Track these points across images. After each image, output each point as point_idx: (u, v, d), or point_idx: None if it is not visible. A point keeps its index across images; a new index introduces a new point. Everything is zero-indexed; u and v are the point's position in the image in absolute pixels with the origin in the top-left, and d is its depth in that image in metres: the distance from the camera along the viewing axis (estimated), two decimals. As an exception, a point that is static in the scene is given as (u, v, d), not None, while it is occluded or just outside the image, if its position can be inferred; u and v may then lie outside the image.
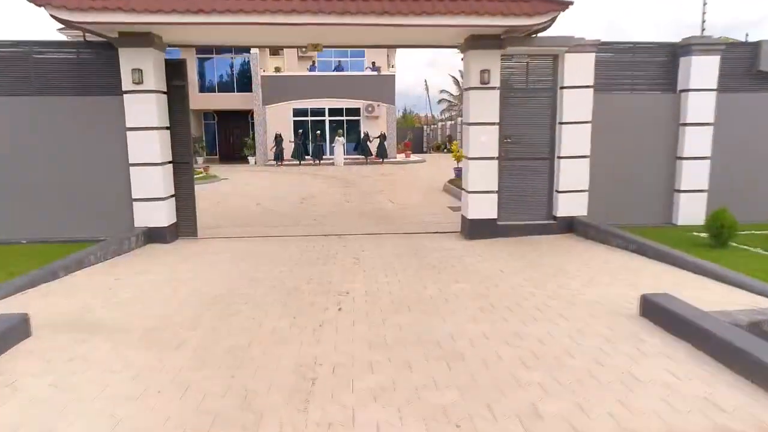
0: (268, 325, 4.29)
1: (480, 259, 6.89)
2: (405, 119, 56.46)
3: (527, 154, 8.78)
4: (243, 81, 28.31)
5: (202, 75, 28.33)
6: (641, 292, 4.47)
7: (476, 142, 8.52)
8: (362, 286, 5.47)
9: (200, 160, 27.32)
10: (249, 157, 25.59)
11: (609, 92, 8.70)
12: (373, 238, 8.57)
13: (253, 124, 26.84)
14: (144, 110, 8.06)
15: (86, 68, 8.14)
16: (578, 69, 8.47)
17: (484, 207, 8.64)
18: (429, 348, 3.72)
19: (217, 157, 30.20)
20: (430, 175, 19.91)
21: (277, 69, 25.73)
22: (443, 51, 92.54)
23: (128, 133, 8.11)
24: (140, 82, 7.94)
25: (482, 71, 8.27)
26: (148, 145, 8.15)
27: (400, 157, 27.16)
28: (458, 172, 15.59)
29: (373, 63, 27.20)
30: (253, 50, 24.46)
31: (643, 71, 8.81)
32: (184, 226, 8.85)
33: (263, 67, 26.27)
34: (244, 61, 27.16)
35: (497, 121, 8.46)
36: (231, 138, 30.28)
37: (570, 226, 8.72)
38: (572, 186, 8.70)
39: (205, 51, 27.54)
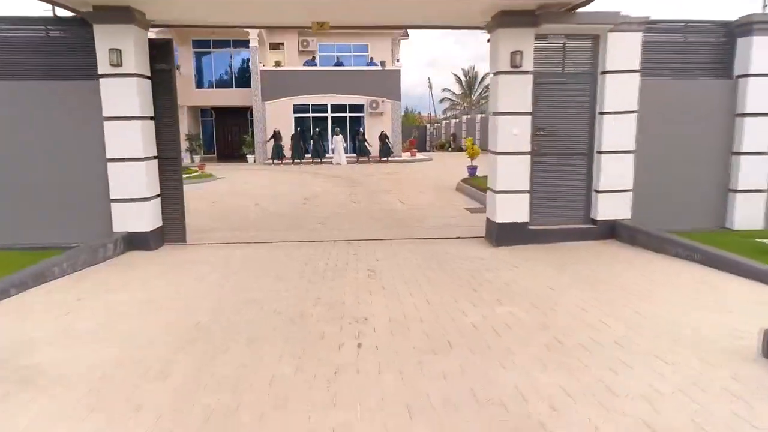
0: (264, 371, 3.20)
1: (518, 272, 5.79)
2: (407, 118, 55.28)
3: (562, 148, 7.69)
4: (242, 76, 27.22)
5: (199, 70, 27.24)
6: (744, 320, 3.40)
7: (505, 134, 7.43)
8: (384, 310, 4.38)
9: (197, 158, 26.23)
10: (248, 156, 24.48)
11: (656, 78, 7.60)
12: (386, 245, 7.47)
13: (252, 121, 25.72)
14: (123, 97, 6.96)
15: (56, 48, 7.04)
16: (622, 51, 7.37)
17: (513, 209, 7.55)
18: (494, 415, 2.63)
19: (215, 155, 29.10)
20: (439, 174, 18.81)
21: (278, 63, 24.63)
22: (444, 50, 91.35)
23: (105, 123, 7.02)
24: (119, 65, 6.84)
25: (513, 53, 7.18)
26: (128, 137, 7.06)
27: (406, 155, 26.05)
28: (472, 170, 14.49)
29: (371, 58, 26.09)
30: (252, 43, 23.38)
31: (695, 54, 7.71)
32: (172, 230, 7.75)
33: (263, 61, 25.16)
34: (243, 56, 26.07)
35: (529, 110, 7.37)
36: (229, 136, 29.18)
37: (611, 230, 7.63)
38: (614, 185, 7.61)
39: (202, 45, 26.45)
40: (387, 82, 24.77)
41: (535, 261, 6.36)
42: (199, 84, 27.18)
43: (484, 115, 35.31)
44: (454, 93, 61.26)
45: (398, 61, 25.66)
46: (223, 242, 7.87)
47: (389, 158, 23.85)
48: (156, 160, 7.52)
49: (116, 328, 4.06)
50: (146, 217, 7.25)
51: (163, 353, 3.52)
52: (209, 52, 26.72)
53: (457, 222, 9.37)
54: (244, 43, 24.72)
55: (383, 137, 23.85)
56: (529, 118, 7.39)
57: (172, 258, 6.83)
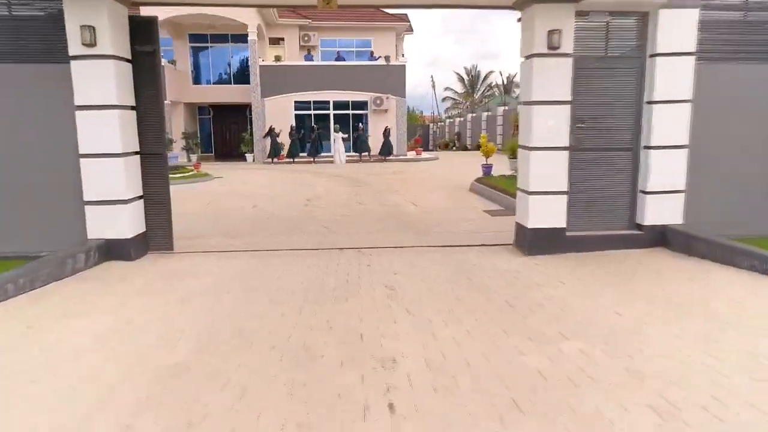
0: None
1: (567, 290, 4.81)
2: (410, 117, 54.30)
3: (605, 143, 6.72)
4: (241, 73, 26.24)
5: (196, 66, 26.25)
6: None
7: (541, 127, 6.45)
8: (415, 347, 3.40)
9: (194, 157, 25.23)
10: (246, 155, 23.48)
11: (715, 62, 6.61)
12: (403, 254, 6.49)
13: (251, 119, 24.72)
14: (99, 82, 5.98)
15: (21, 26, 6.04)
16: (676, 31, 6.39)
17: (549, 212, 6.57)
18: None
19: (213, 154, 28.10)
20: (447, 173, 17.82)
21: (277, 58, 23.63)
22: (444, 49, 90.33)
23: (78, 113, 6.04)
24: (92, 44, 5.86)
25: (551, 32, 6.20)
26: (104, 129, 6.08)
27: (411, 154, 25.05)
28: (487, 169, 13.50)
29: (372, 53, 25.12)
30: (251, 36, 22.37)
31: (759, 35, 6.71)
32: (156, 236, 6.77)
33: (262, 56, 24.17)
34: (242, 52, 25.08)
35: (568, 99, 6.39)
36: (228, 134, 28.19)
37: (660, 237, 6.64)
38: (664, 185, 6.63)
39: (199, 39, 25.46)
40: (391, 78, 23.77)
41: (581, 275, 5.38)
42: (197, 80, 26.19)
43: (490, 113, 34.33)
44: (456, 92, 60.33)
45: (403, 55, 24.65)
46: (215, 250, 6.89)
47: (390, 157, 22.81)
48: (138, 156, 6.53)
49: (65, 373, 3.08)
50: (126, 222, 6.27)
51: (123, 416, 2.53)
52: (207, 48, 25.73)
53: (478, 226, 8.39)
54: (243, 38, 23.72)
55: (386, 133, 22.79)
56: (567, 108, 6.41)
57: (155, 270, 5.85)
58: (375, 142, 23.11)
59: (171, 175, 14.97)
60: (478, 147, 35.58)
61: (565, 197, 6.57)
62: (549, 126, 6.42)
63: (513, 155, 13.09)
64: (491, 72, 60.97)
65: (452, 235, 7.77)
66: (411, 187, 13.80)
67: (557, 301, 4.42)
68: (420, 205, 10.77)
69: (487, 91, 59.17)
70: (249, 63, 22.95)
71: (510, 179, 12.71)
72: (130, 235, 6.30)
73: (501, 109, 31.07)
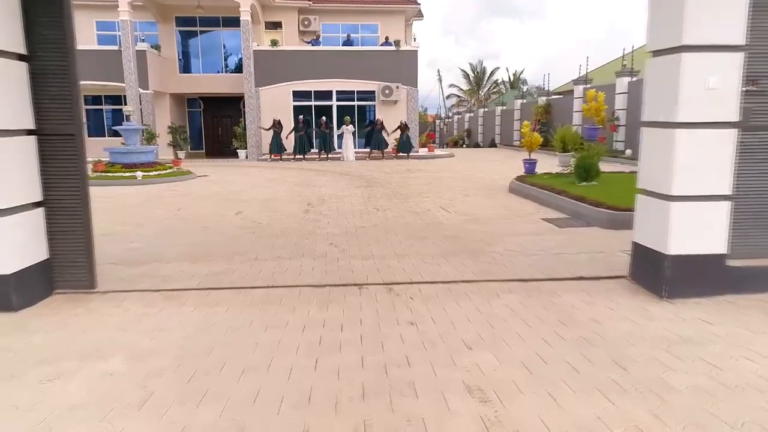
0: None
1: None
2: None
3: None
4: (234, 60, 23.70)
5: (185, 53, 23.68)
6: None
7: (693, 87, 3.91)
8: None
9: (182, 154, 22.70)
10: (239, 151, 20.90)
11: None
12: (463, 296, 4.01)
13: (246, 111, 22.12)
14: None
15: None
16: None
17: (702, 229, 4.06)
18: None
19: (203, 151, 25.55)
20: (472, 171, 15.27)
21: (274, 42, 21.06)
22: (443, 50, 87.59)
23: None
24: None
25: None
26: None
27: (423, 151, 22.49)
28: (530, 165, 10.94)
29: (387, 38, 22.53)
30: (243, 17, 19.74)
31: None
32: (67, 267, 4.23)
33: (257, 41, 21.61)
34: (235, 37, 22.46)
35: (741, 42, 3.86)
36: (220, 129, 25.61)
37: None
38: None
39: (187, 23, 22.91)
40: (402, 65, 21.21)
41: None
42: (185, 68, 23.63)
43: (505, 107, 31.77)
44: (460, 89, 57.86)
45: (415, 39, 22.07)
46: (164, 287, 4.36)
47: (409, 155, 20.21)
48: (31, 137, 3.99)
49: None
50: (4, 247, 3.73)
51: None
52: (195, 32, 23.16)
53: (550, 244, 5.87)
54: (236, 22, 21.12)
55: (404, 127, 20.19)
56: (739, 57, 3.87)
57: (39, 343, 3.31)
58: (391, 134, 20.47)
59: (144, 172, 12.45)
60: (492, 143, 33.08)
61: (726, 204, 4.04)
62: (708, 86, 3.88)
63: (564, 148, 10.53)
64: (497, 68, 58.53)
65: (522, 258, 5.24)
66: (437, 188, 11.25)
67: None
68: (457, 211, 8.22)
69: (494, 88, 56.96)
70: (241, 48, 20.34)
71: (562, 178, 10.16)
72: (9, 270, 3.75)
73: (518, 102, 28.52)
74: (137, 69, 19.81)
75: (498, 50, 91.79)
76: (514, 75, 55.98)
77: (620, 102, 18.38)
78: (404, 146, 20.16)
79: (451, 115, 49.77)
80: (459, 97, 58.95)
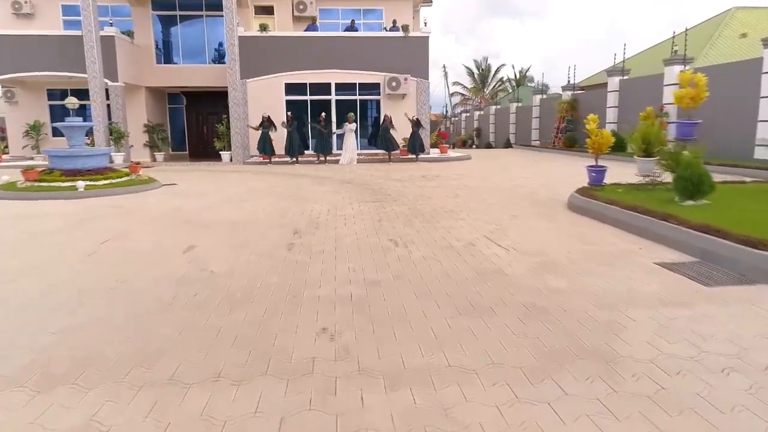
0: None
1: None
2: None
3: None
4: (219, 50, 20.88)
5: (164, 42, 20.84)
6: None
7: None
8: None
9: (160, 156, 19.94)
10: (222, 153, 18.07)
11: None
12: None
13: (230, 107, 19.24)
14: None
15: None
16: None
17: None
18: None
19: (187, 152, 22.76)
20: (502, 177, 12.53)
21: (263, 27, 18.26)
22: (444, 50, 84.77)
23: None
24: None
25: None
26: None
27: (434, 152, 19.71)
28: (598, 174, 8.15)
29: (394, 22, 19.73)
30: (226, -2, 16.95)
31: None
32: None
33: (244, 26, 18.82)
34: (220, 24, 19.65)
35: None
36: (205, 127, 22.80)
37: None
38: None
39: (165, 7, 20.10)
40: (411, 54, 18.42)
41: None
42: (165, 59, 20.80)
43: (520, 103, 29.00)
44: (465, 86, 55.16)
45: (425, 24, 19.24)
46: None
47: (418, 157, 17.38)
48: None
49: None
50: None
51: None
52: (175, 18, 20.34)
53: (725, 334, 3.12)
54: (220, 6, 18.33)
55: (416, 123, 17.59)
56: None
57: None
58: (400, 132, 17.62)
59: (90, 181, 9.64)
60: (507, 144, 29.99)
61: None
62: None
63: (646, 151, 7.77)
64: (503, 65, 55.85)
65: (706, 389, 2.47)
66: (470, 203, 8.50)
67: None
68: (515, 247, 5.47)
69: (499, 85, 54.45)
70: (224, 32, 17.47)
71: (647, 192, 7.41)
72: None
73: (537, 98, 25.73)
74: (103, 57, 17.00)
75: (498, 49, 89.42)
76: (520, 72, 53.53)
77: (670, 95, 15.60)
78: (414, 146, 17.33)
79: (457, 113, 46.98)
80: (463, 95, 56.33)
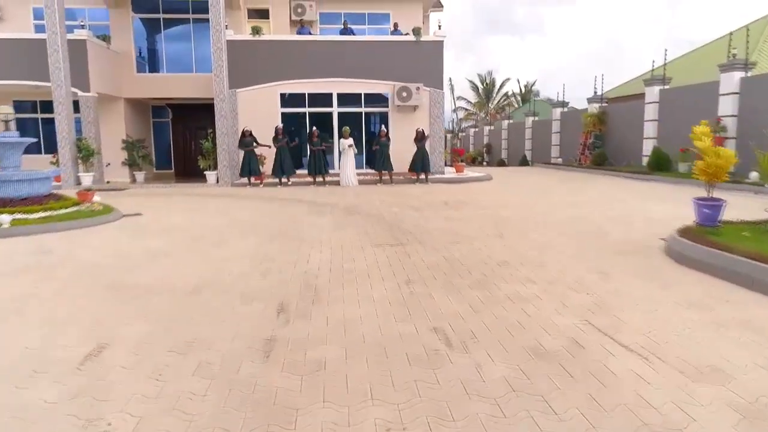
0: None
1: None
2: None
3: None
4: (208, 57, 18.73)
5: (152, 50, 18.68)
6: None
7: None
8: None
9: (140, 176, 17.66)
10: (207, 173, 15.74)
11: None
12: None
13: (216, 120, 16.96)
14: None
15: None
16: None
17: None
18: None
19: (173, 171, 20.51)
20: (548, 204, 10.23)
21: (256, 30, 16.11)
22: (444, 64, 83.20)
23: None
24: None
25: None
26: None
27: (449, 171, 17.44)
28: (711, 211, 5.78)
29: (395, 25, 17.56)
30: (213, -5, 14.77)
31: None
32: None
33: (235, 29, 16.68)
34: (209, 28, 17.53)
35: None
36: (193, 143, 20.57)
37: None
38: None
39: (147, 9, 18.00)
40: (424, 61, 16.26)
41: None
42: (150, 67, 18.63)
43: (537, 117, 26.84)
44: (468, 101, 53.38)
45: (440, 27, 17.07)
46: None
47: (427, 177, 15.07)
48: None
49: None
50: None
51: None
52: (158, 21, 18.22)
53: None
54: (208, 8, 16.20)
55: (421, 136, 15.06)
56: None
57: None
58: (397, 154, 15.31)
59: (23, 214, 6.98)
60: (524, 161, 27.45)
61: None
62: None
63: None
64: (507, 80, 54.09)
65: None
66: (526, 249, 6.17)
67: None
68: (665, 357, 3.12)
69: (504, 100, 52.85)
70: (210, 34, 15.25)
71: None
72: None
73: (557, 111, 23.52)
74: (72, 64, 14.81)
75: (497, 64, 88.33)
76: (525, 86, 51.88)
77: (728, 106, 13.38)
78: (423, 165, 14.99)
79: (464, 127, 44.96)
80: (466, 110, 54.51)
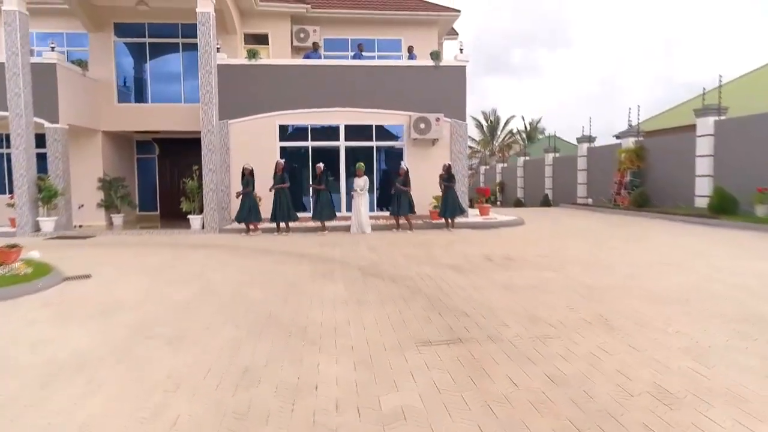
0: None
1: None
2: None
3: None
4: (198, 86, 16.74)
5: (137, 79, 16.69)
6: None
7: None
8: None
9: (118, 219, 15.36)
10: (191, 216, 13.44)
11: None
12: None
13: (203, 155, 14.77)
14: None
15: None
16: None
17: None
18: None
19: (158, 213, 18.24)
20: (625, 262, 7.91)
21: (252, 54, 14.11)
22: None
23: None
24: None
25: None
26: None
27: (472, 214, 15.14)
28: None
29: (410, 48, 15.59)
30: (201, 8, 12.74)
31: None
32: None
33: (229, 53, 14.71)
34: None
35: None
36: (181, 183, 18.39)
37: None
38: None
39: (131, 33, 16.11)
40: (443, 88, 14.24)
41: None
42: (137, 97, 16.58)
43: (558, 154, 24.78)
44: (473, 139, 51.99)
45: (462, 51, 15.00)
46: None
47: (453, 222, 12.73)
48: None
49: None
50: None
51: None
52: (144, 46, 16.30)
53: None
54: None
55: (448, 173, 12.71)
56: None
57: None
58: (414, 193, 13.01)
59: None
60: (546, 201, 24.95)
61: None
62: None
63: None
64: (512, 117, 53.09)
65: None
66: (682, 354, 3.79)
67: None
68: None
69: (509, 137, 51.63)
70: (198, 56, 13.21)
71: None
72: None
73: (583, 146, 21.46)
74: (38, 91, 12.73)
75: (496, 104, 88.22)
76: (530, 124, 50.62)
77: (813, 138, 11.26)
78: (454, 208, 12.68)
79: (473, 165, 43.09)
80: (471, 147, 53.05)
